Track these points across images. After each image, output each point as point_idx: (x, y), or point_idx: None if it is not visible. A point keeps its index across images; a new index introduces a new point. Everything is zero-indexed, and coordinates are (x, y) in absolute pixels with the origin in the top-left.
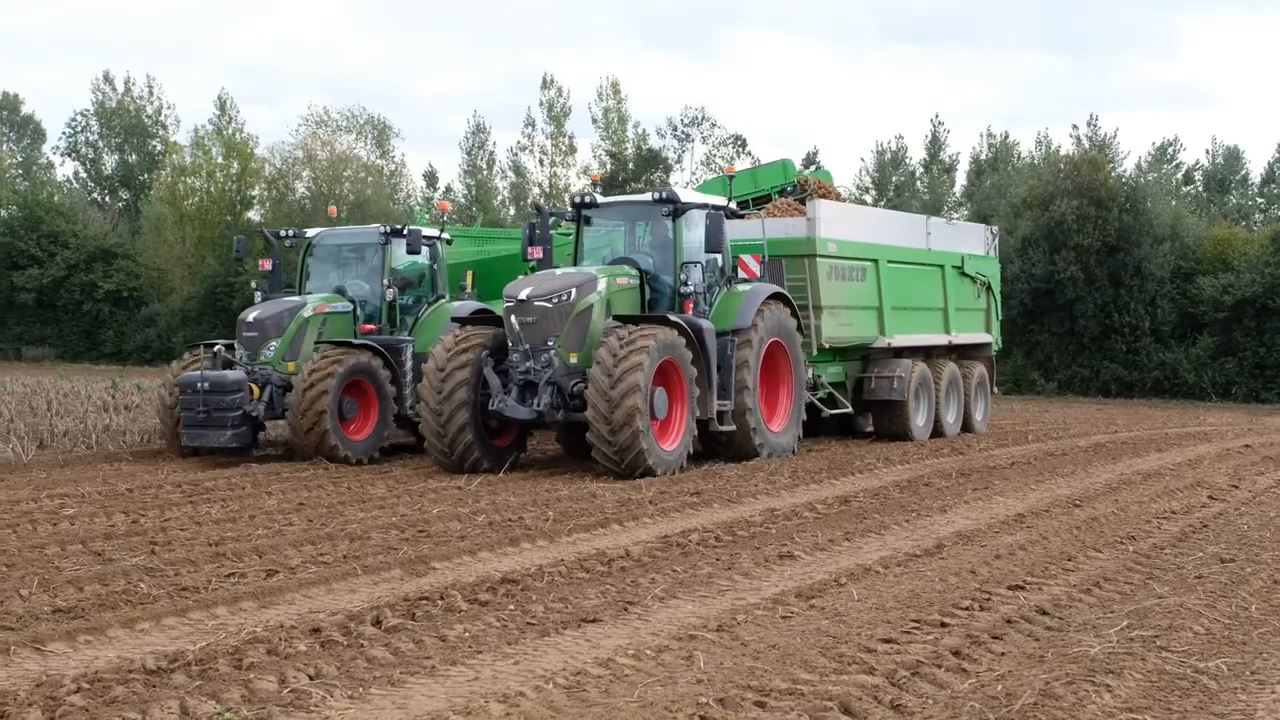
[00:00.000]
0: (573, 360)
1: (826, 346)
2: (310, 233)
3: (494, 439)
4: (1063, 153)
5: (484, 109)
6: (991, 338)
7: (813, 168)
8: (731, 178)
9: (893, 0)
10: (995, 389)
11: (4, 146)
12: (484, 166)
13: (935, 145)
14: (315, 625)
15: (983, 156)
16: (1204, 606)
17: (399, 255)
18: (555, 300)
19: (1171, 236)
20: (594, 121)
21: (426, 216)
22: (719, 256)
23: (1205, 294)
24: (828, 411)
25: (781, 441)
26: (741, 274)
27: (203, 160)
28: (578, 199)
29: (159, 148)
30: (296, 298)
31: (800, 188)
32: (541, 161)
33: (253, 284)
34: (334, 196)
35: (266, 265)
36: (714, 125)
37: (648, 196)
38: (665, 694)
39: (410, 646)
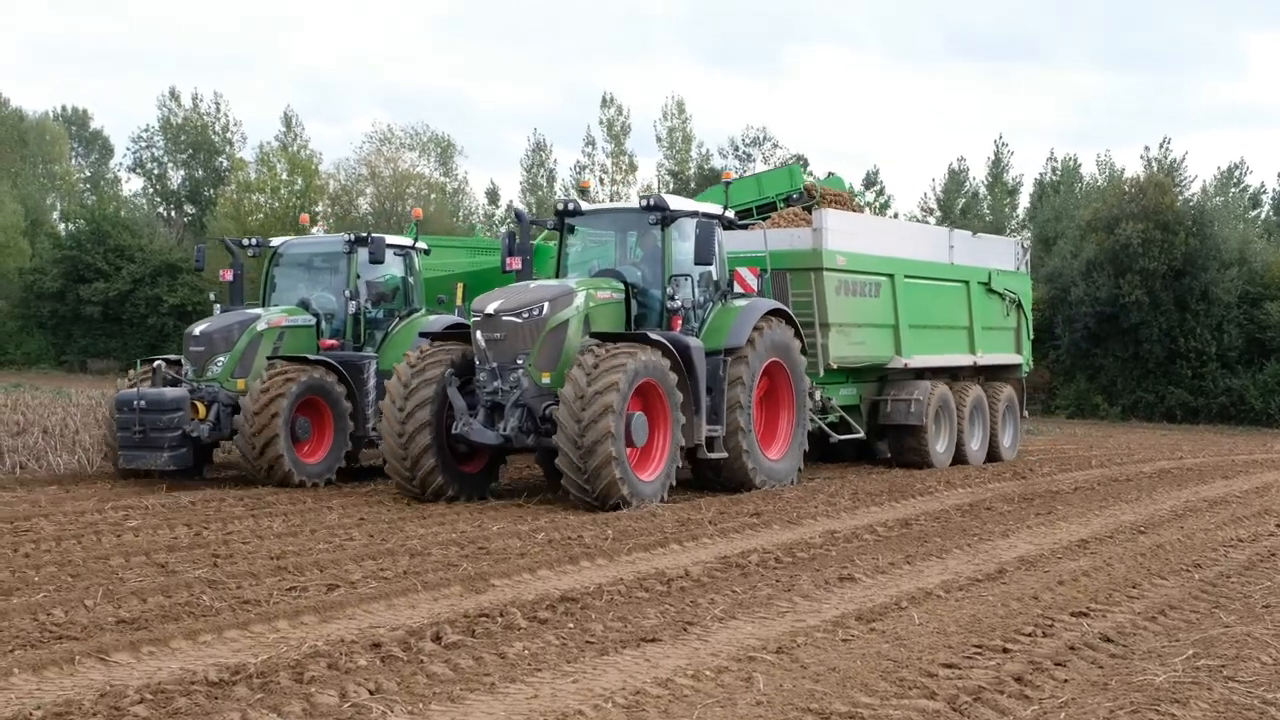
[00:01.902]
0: (545, 380)
1: (835, 367)
2: (275, 242)
3: (463, 464)
4: (1126, 174)
5: (545, 125)
6: (1022, 358)
7: (827, 174)
8: (728, 184)
9: (957, 17)
10: (1025, 413)
11: (72, 161)
12: (544, 184)
13: (999, 166)
14: (376, 640)
15: (1047, 179)
16: (1271, 636)
17: (369, 266)
18: (526, 315)
19: (1239, 261)
20: (658, 140)
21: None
22: (712, 269)
23: (1273, 319)
24: (836, 437)
25: (779, 470)
26: (738, 288)
27: (267, 176)
28: (560, 206)
29: (224, 163)
30: (250, 310)
31: (808, 195)
32: (601, 180)
33: (211, 295)
34: (397, 214)
35: (227, 276)
36: (775, 145)
37: (635, 204)
38: (724, 715)
39: (470, 663)
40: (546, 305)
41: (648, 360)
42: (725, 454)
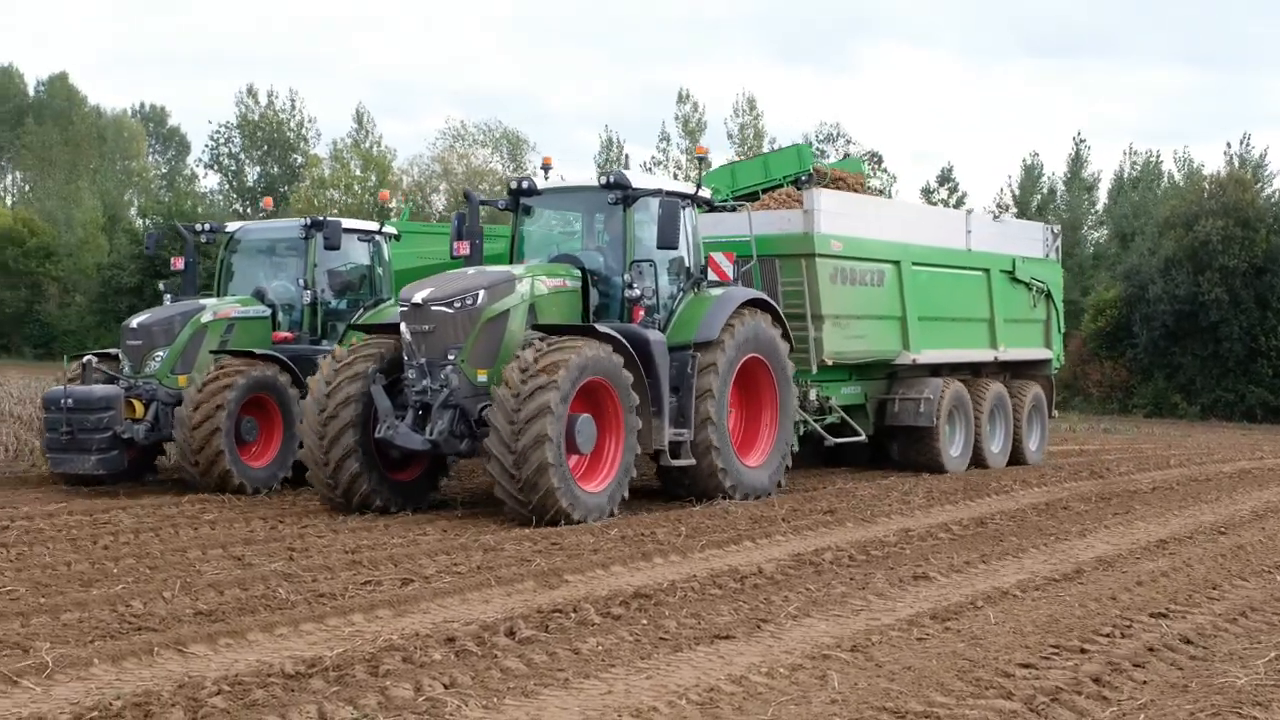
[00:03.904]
0: (480, 379)
1: (830, 363)
2: (230, 227)
3: (395, 472)
4: (1206, 171)
5: (615, 123)
6: (1051, 354)
7: (844, 155)
8: (701, 159)
9: (1028, 13)
10: (1054, 413)
11: (149, 158)
12: None
13: (1077, 162)
14: (450, 634)
15: (1126, 175)
16: None
17: (329, 253)
18: (458, 305)
19: None
20: (729, 137)
21: (409, 209)
22: (684, 255)
23: None
24: (831, 440)
25: (757, 479)
26: (712, 275)
27: (341, 173)
28: (513, 184)
29: (300, 160)
30: (194, 301)
31: (818, 177)
32: (676, 177)
33: (161, 285)
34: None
35: (179, 264)
36: (849, 141)
37: (594, 181)
38: (799, 713)
39: (544, 658)
40: (482, 294)
41: (595, 356)
42: (692, 460)
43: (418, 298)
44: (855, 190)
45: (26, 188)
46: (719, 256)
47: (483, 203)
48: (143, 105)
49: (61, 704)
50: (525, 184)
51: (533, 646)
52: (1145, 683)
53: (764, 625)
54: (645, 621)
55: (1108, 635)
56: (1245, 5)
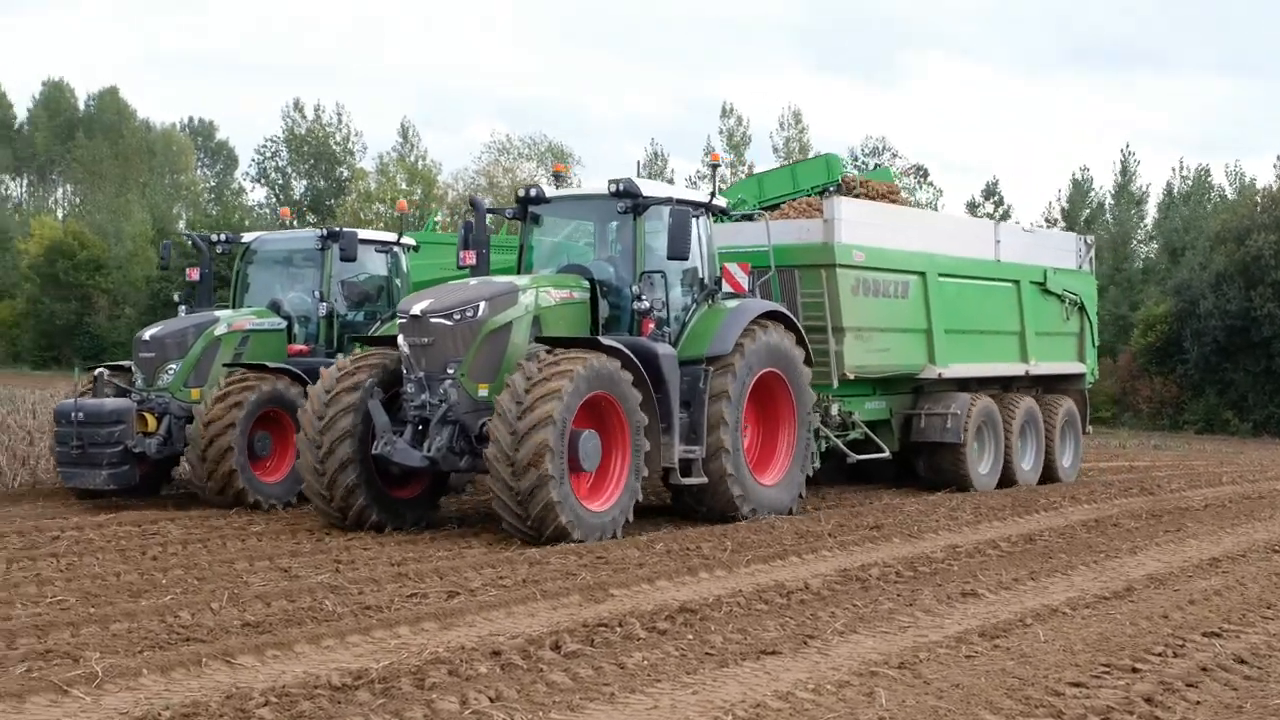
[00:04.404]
0: (481, 393)
1: (851, 377)
2: (246, 237)
3: (395, 488)
4: (1258, 184)
5: (660, 133)
6: (1085, 368)
7: (874, 166)
8: (715, 166)
9: (1076, 23)
10: (1089, 429)
11: (197, 171)
12: None
13: (1125, 176)
14: (496, 648)
15: (1176, 190)
16: None
17: (345, 264)
18: (458, 317)
19: None
20: (775, 151)
21: (436, 222)
22: (698, 266)
23: None
24: (854, 456)
25: (774, 498)
26: (727, 287)
27: (387, 186)
28: (522, 192)
29: (345, 174)
30: (209, 313)
31: (846, 188)
32: (720, 190)
33: (176, 296)
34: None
35: (194, 275)
36: (895, 155)
37: (604, 189)
38: None
39: (589, 673)
40: (483, 305)
41: (601, 369)
42: (704, 479)
43: (416, 309)
44: (892, 201)
45: (77, 201)
46: (734, 267)
47: (490, 211)
48: (191, 119)
49: (111, 714)
50: (534, 192)
51: (578, 660)
52: (1199, 703)
53: (810, 641)
54: (691, 636)
55: (1160, 654)
56: None
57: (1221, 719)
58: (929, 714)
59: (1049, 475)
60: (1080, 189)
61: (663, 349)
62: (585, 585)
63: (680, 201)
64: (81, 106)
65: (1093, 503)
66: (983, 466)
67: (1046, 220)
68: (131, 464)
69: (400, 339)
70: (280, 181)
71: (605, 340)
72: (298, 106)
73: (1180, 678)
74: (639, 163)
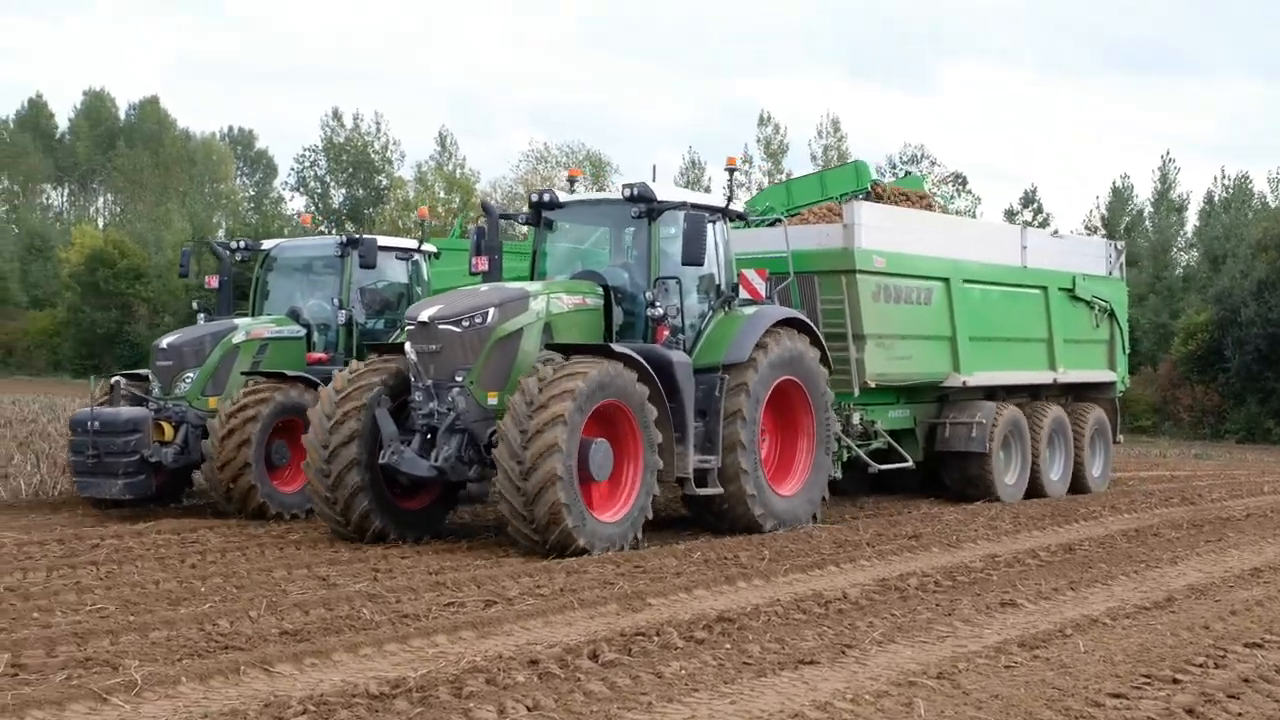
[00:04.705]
0: (491, 401)
1: (873, 385)
2: (266, 244)
3: (403, 499)
4: None
5: (697, 141)
6: (1115, 375)
7: (904, 173)
8: (732, 170)
9: (1111, 28)
10: (1120, 438)
11: (237, 180)
12: None
13: (1165, 183)
14: (533, 657)
15: (1217, 197)
16: None
17: (365, 271)
18: (466, 323)
19: None
20: (813, 159)
21: (460, 230)
22: (714, 272)
23: None
24: (877, 467)
25: (791, 509)
26: (744, 293)
27: (425, 195)
28: (534, 197)
29: (384, 182)
30: (227, 320)
31: (875, 195)
32: (751, 197)
33: (194, 304)
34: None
35: (213, 282)
36: (934, 163)
37: (619, 194)
38: None
39: (627, 682)
40: (493, 312)
41: (612, 376)
42: (720, 489)
43: (424, 316)
44: (926, 208)
45: (117, 210)
46: (751, 274)
47: (503, 216)
48: (231, 128)
49: None
50: (547, 197)
51: (616, 670)
52: (1240, 715)
53: (849, 651)
54: (729, 645)
55: (1201, 665)
56: None
57: None
58: None
59: (1078, 485)
60: (1120, 196)
61: (677, 356)
62: (623, 594)
63: (695, 206)
64: (122, 116)
65: (1133, 512)
66: (1009, 477)
67: (1086, 228)
68: (148, 473)
69: (408, 346)
70: (319, 190)
71: (617, 347)
72: (336, 115)
73: (1222, 689)
74: (654, 167)
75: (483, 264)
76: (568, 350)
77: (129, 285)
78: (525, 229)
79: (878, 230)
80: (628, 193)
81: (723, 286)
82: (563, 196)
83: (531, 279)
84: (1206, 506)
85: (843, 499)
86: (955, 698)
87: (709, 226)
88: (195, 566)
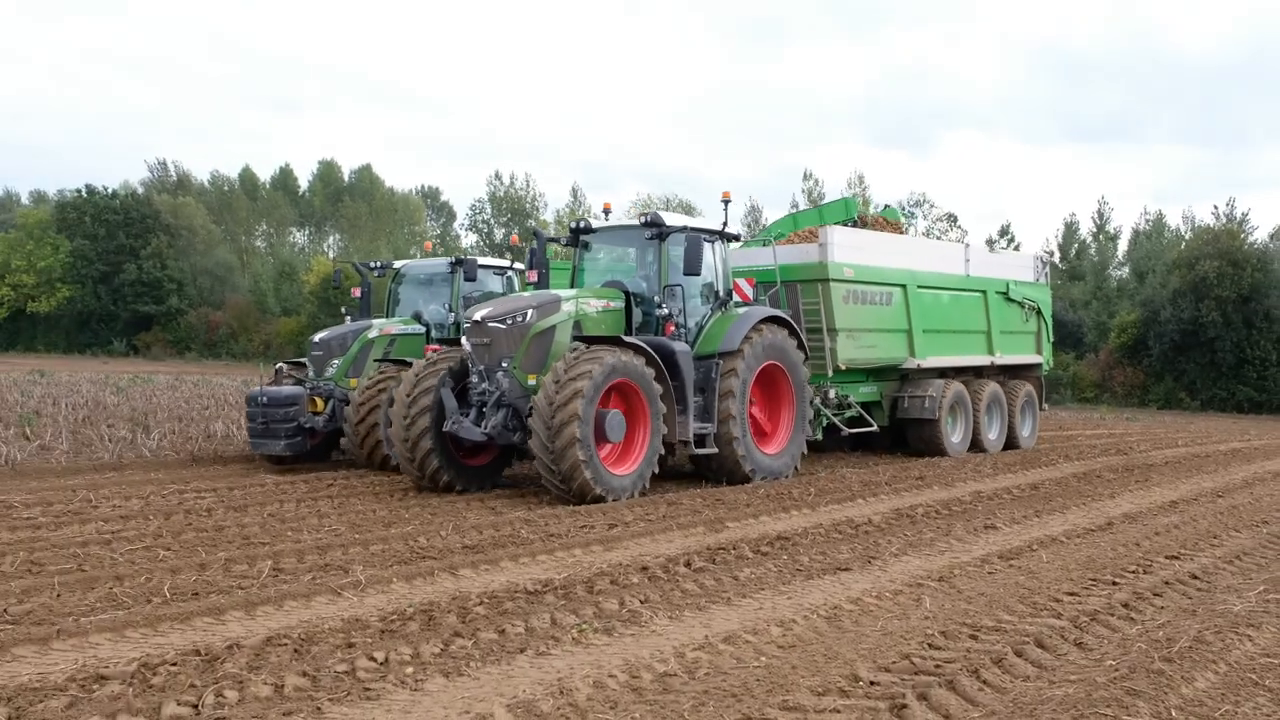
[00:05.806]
0: (530, 382)
1: (845, 368)
2: (397, 264)
3: (468, 458)
4: (1203, 224)
5: (756, 192)
6: (1042, 358)
7: (884, 206)
8: (727, 202)
9: (1070, 106)
10: (1045, 407)
11: (426, 224)
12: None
13: (1102, 219)
14: (644, 564)
15: (1140, 229)
16: None
17: (469, 283)
18: (510, 321)
19: None
20: None
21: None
22: (714, 281)
23: None
24: (846, 430)
25: (774, 465)
26: (736, 298)
27: (561, 232)
28: (574, 224)
29: (533, 224)
30: (366, 321)
31: (861, 223)
32: (764, 227)
33: (343, 309)
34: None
35: (357, 293)
36: (932, 206)
37: (638, 221)
38: (901, 626)
39: (712, 583)
40: (531, 312)
41: (624, 360)
42: (715, 449)
43: (477, 316)
44: (898, 233)
45: (342, 245)
46: (741, 282)
47: (550, 240)
48: (423, 186)
49: (371, 610)
50: (583, 224)
51: (703, 574)
52: (1163, 608)
53: (873, 561)
54: (785, 557)
55: (1133, 572)
56: (1239, 94)
57: (1181, 620)
58: (961, 615)
59: (1011, 444)
60: (1070, 230)
61: (679, 345)
62: (708, 520)
63: (695, 230)
64: (346, 178)
65: (1081, 460)
66: (955, 437)
67: (1046, 252)
68: (303, 436)
69: (464, 339)
70: (486, 230)
71: (628, 339)
72: (498, 175)
73: (1149, 589)
74: (667, 201)
75: (534, 276)
76: (591, 341)
77: (350, 301)
78: (567, 249)
79: (848, 248)
80: (643, 220)
81: (720, 292)
82: (595, 224)
83: (571, 287)
84: (1136, 456)
85: (832, 456)
86: (952, 595)
87: (707, 245)
88: (400, 500)
